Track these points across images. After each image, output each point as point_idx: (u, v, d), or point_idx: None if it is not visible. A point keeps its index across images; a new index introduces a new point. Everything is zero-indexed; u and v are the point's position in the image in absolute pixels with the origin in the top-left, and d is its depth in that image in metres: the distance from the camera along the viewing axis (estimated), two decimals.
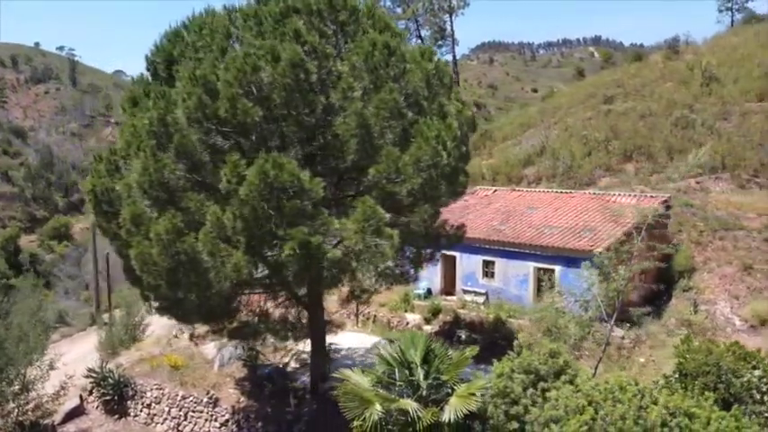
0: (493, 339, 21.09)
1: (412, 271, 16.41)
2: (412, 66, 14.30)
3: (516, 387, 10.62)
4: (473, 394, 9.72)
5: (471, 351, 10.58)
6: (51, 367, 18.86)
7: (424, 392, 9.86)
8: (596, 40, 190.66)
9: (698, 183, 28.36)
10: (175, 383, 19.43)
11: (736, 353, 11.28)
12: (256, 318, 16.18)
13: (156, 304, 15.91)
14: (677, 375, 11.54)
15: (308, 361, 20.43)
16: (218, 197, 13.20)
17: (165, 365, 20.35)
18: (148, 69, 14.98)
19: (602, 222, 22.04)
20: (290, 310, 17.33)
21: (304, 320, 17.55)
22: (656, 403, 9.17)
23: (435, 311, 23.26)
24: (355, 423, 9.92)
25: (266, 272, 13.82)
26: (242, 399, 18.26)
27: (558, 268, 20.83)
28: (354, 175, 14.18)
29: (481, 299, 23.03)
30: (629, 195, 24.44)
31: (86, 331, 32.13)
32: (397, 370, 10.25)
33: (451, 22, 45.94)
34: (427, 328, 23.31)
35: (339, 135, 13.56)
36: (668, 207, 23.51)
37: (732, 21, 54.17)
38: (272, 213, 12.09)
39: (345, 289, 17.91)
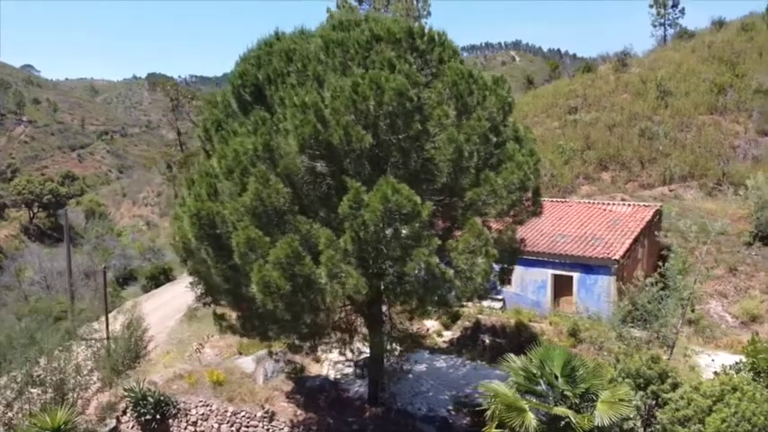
0: (519, 343, 22.46)
1: (498, 286, 17.39)
2: (488, 93, 15.30)
3: (630, 391, 11.88)
4: (622, 400, 10.88)
5: (607, 369, 11.47)
6: None
7: (575, 401, 10.91)
8: (516, 45, 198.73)
9: (671, 190, 31.05)
10: (222, 399, 19.47)
11: None
12: (347, 333, 16.68)
13: (223, 323, 16.23)
14: (751, 374, 13.23)
15: (344, 371, 21.16)
16: (321, 220, 13.77)
17: (206, 381, 20.30)
18: (234, 93, 15.11)
19: (607, 231, 23.87)
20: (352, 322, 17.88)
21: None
22: None
23: (454, 317, 24.32)
24: None
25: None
26: (299, 412, 18.61)
27: (576, 275, 22.48)
28: (441, 197, 14.98)
29: (498, 304, 24.34)
30: (625, 204, 26.48)
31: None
32: (541, 381, 11.23)
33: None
34: (447, 333, 24.39)
35: (431, 159, 14.37)
36: (660, 215, 25.78)
37: (665, 35, 58.53)
38: (390, 235, 12.76)
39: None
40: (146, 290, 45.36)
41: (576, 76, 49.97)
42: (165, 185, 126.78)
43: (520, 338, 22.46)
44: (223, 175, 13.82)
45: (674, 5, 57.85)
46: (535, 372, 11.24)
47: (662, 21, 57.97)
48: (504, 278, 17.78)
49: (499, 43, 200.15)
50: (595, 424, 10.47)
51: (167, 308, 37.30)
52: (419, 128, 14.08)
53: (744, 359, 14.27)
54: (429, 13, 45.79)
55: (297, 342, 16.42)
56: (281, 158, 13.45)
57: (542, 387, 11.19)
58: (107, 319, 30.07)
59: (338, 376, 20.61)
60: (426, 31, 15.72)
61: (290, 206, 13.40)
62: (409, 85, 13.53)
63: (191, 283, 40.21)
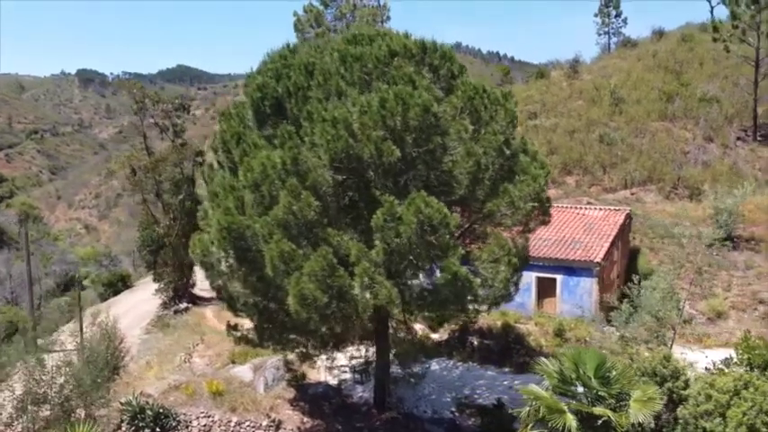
0: (507, 343, 23.37)
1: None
2: (498, 107, 15.98)
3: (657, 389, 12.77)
4: (653, 399, 11.72)
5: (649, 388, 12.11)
6: None
7: (611, 400, 11.67)
8: (457, 46, 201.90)
9: (633, 194, 32.81)
10: (224, 410, 19.36)
11: None
12: (369, 340, 16.99)
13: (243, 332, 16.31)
14: (747, 368, 14.41)
15: (341, 376, 21.44)
16: (347, 231, 14.10)
17: (204, 392, 20.13)
18: (252, 106, 15.17)
19: (584, 235, 25.08)
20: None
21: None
22: None
23: (441, 320, 24.94)
24: None
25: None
26: (305, 419, 18.77)
27: (559, 277, 23.57)
28: (458, 207, 15.54)
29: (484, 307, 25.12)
30: (595, 208, 27.84)
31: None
32: (577, 383, 11.95)
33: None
34: (435, 336, 25.00)
35: (449, 171, 14.93)
36: (630, 218, 27.28)
37: (609, 44, 61.28)
38: (421, 246, 13.24)
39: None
40: (103, 298, 43.96)
41: (530, 82, 51.67)
42: (103, 187, 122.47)
43: (507, 339, 23.37)
44: (249, 189, 13.91)
45: (617, 15, 60.62)
46: (571, 375, 11.93)
47: (606, 30, 60.60)
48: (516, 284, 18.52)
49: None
50: (631, 421, 11.27)
51: (131, 316, 36.32)
52: (439, 141, 14.61)
53: (733, 355, 15.49)
54: (389, 18, 46.36)
55: (311, 351, 16.65)
56: (309, 172, 13.68)
57: (578, 389, 11.90)
58: (81, 330, 29.16)
59: (336, 382, 20.87)
60: (438, 46, 16.23)
61: (319, 219, 13.66)
62: (433, 101, 14.05)
63: (157, 290, 39.27)
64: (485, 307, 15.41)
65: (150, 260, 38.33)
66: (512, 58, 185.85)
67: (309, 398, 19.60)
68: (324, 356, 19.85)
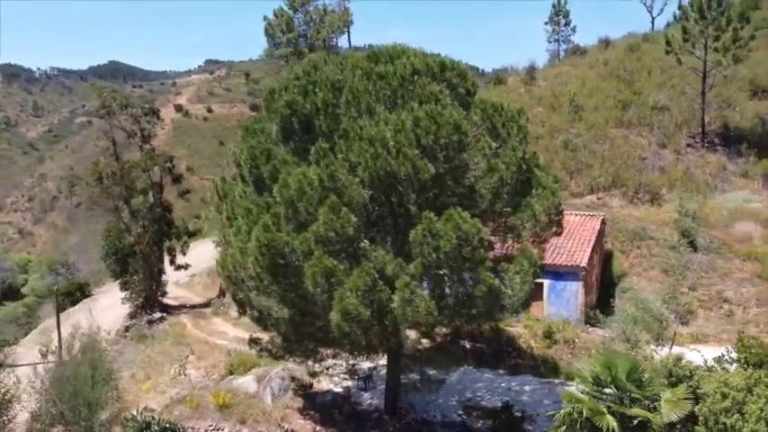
0: (498, 346, 24.27)
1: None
2: (513, 123, 16.75)
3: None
4: (681, 399, 12.71)
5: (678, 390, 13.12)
6: None
7: (645, 402, 12.58)
8: None
9: (599, 199, 34.47)
10: (233, 422, 19.36)
11: None
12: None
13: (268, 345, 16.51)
14: (744, 366, 15.72)
15: (343, 383, 21.80)
16: (380, 246, 14.53)
17: (209, 404, 20.03)
18: (281, 122, 15.32)
19: (565, 240, 26.13)
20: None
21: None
22: None
23: (433, 325, 25.60)
24: None
25: None
26: (318, 428, 19.00)
27: (547, 282, 24.64)
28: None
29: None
30: (572, 214, 29.11)
31: None
32: (612, 386, 12.82)
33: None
34: (425, 341, 25.63)
35: (472, 186, 15.59)
36: (605, 224, 28.75)
37: (558, 51, 63.64)
38: (457, 260, 13.82)
39: None
40: (61, 308, 42.32)
41: (489, 89, 53.07)
42: (36, 189, 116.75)
43: (499, 342, 24.27)
44: (285, 205, 14.11)
45: (567, 24, 63.03)
46: (606, 378, 12.80)
47: (556, 37, 62.91)
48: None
49: (369, 45, 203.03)
50: (665, 421, 12.23)
51: (94, 326, 35.20)
52: (464, 158, 15.24)
53: (726, 353, 16.83)
54: (352, 22, 46.83)
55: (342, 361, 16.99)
56: (346, 189, 14.01)
57: (612, 391, 12.77)
58: (60, 343, 28.26)
59: (340, 390, 21.19)
60: (455, 65, 16.85)
61: (357, 234, 14.03)
62: (463, 120, 14.66)
63: (125, 299, 38.35)
64: (506, 315, 16.12)
65: (116, 269, 37.38)
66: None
67: (318, 407, 19.85)
68: (326, 365, 20.22)
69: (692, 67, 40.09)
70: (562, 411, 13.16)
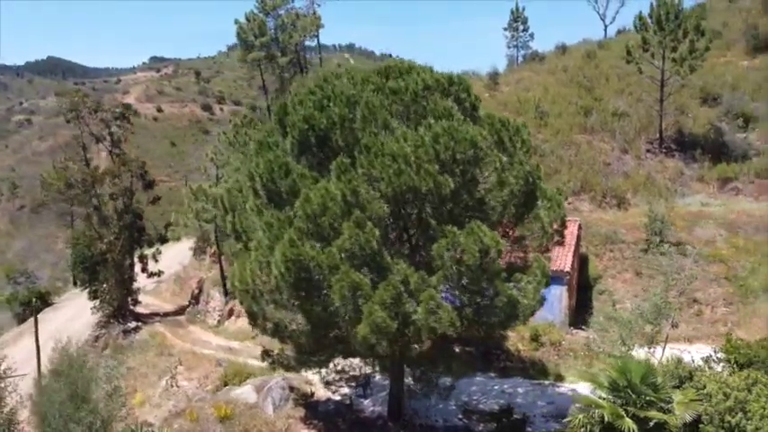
0: (487, 349, 24.92)
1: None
2: (518, 137, 17.37)
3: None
4: (693, 400, 13.54)
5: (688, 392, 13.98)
6: None
7: (661, 404, 13.34)
8: (350, 47, 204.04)
9: (569, 204, 35.62)
10: None
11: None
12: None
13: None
14: (734, 365, 16.80)
15: (340, 391, 22.02)
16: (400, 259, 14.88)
17: (210, 417, 19.88)
18: (299, 136, 15.44)
19: None
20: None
21: None
22: None
23: None
24: None
25: None
26: None
27: None
28: None
29: None
30: None
31: None
32: (630, 389, 13.52)
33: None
34: (415, 345, 26.05)
35: (482, 199, 16.11)
36: (581, 228, 29.85)
37: (517, 56, 65.21)
38: (477, 272, 14.32)
39: None
40: (21, 318, 40.80)
41: None
42: None
43: (487, 345, 24.91)
44: (307, 220, 14.26)
45: (525, 30, 64.65)
46: (622, 383, 13.52)
47: (515, 43, 64.44)
48: None
49: (333, 45, 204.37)
50: (681, 422, 13.05)
51: (62, 337, 34.35)
52: (478, 172, 15.75)
53: (713, 353, 17.93)
54: (322, 25, 46.89)
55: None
56: (368, 204, 14.28)
57: (629, 395, 13.50)
58: (38, 357, 27.45)
59: (339, 397, 21.39)
60: (461, 80, 17.35)
61: (380, 248, 14.32)
62: (479, 135, 15.15)
63: (95, 308, 37.46)
64: (519, 322, 16.71)
65: (84, 278, 36.41)
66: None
67: (321, 415, 19.99)
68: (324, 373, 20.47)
69: (650, 76, 41.91)
70: (580, 415, 13.82)
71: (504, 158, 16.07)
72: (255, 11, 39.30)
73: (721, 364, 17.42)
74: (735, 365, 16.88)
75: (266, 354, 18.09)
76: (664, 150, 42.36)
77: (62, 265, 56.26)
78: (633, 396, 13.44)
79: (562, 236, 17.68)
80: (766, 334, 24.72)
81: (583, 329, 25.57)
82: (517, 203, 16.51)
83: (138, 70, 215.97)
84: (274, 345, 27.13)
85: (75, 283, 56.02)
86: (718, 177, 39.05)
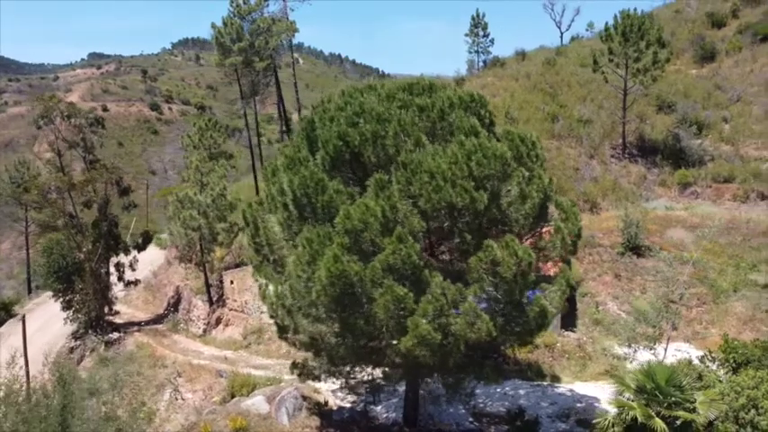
0: (483, 354, 25.63)
1: None
2: (531, 151, 18.12)
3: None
4: (714, 400, 14.56)
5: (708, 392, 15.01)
6: None
7: (687, 405, 14.30)
8: (299, 47, 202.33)
9: None
10: None
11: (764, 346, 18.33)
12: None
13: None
14: (733, 365, 18.06)
15: (346, 398, 22.33)
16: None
17: (225, 429, 19.81)
18: (332, 152, 15.69)
19: None
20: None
21: None
22: None
23: None
24: None
25: None
26: None
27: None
28: None
29: None
30: None
31: None
32: (658, 391, 14.42)
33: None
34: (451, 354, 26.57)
35: (504, 212, 16.78)
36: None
37: (477, 62, 66.68)
38: (512, 284, 14.98)
39: None
40: None
41: None
42: None
43: (484, 348, 25.65)
44: (348, 236, 14.57)
45: (485, 35, 66.19)
46: (649, 385, 14.44)
47: (476, 48, 65.88)
48: None
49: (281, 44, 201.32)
50: (705, 421, 14.07)
51: (32, 350, 33.39)
52: (503, 186, 16.40)
53: (708, 353, 19.21)
54: (297, 30, 46.98)
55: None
56: (407, 219, 14.72)
57: (657, 396, 14.43)
58: (27, 371, 26.57)
59: (348, 405, 21.70)
60: (479, 97, 17.98)
61: (420, 263, 14.77)
62: (508, 152, 15.80)
63: (68, 319, 36.41)
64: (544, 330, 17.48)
65: (58, 287, 35.25)
66: (353, 61, 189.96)
67: (336, 424, 20.24)
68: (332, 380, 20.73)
69: (615, 85, 43.82)
70: (609, 417, 14.68)
71: (526, 173, 16.75)
72: (231, 15, 38.94)
73: (716, 363, 18.72)
74: (732, 365, 18.15)
75: (295, 366, 18.25)
76: (627, 156, 44.38)
77: (17, 271, 54.11)
78: (660, 397, 14.36)
79: (576, 246, 18.55)
80: (739, 332, 26.63)
81: (573, 331, 26.68)
82: (535, 216, 17.25)
83: (76, 67, 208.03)
84: (272, 353, 27.20)
85: (29, 292, 54.00)
86: (678, 182, 41.20)
